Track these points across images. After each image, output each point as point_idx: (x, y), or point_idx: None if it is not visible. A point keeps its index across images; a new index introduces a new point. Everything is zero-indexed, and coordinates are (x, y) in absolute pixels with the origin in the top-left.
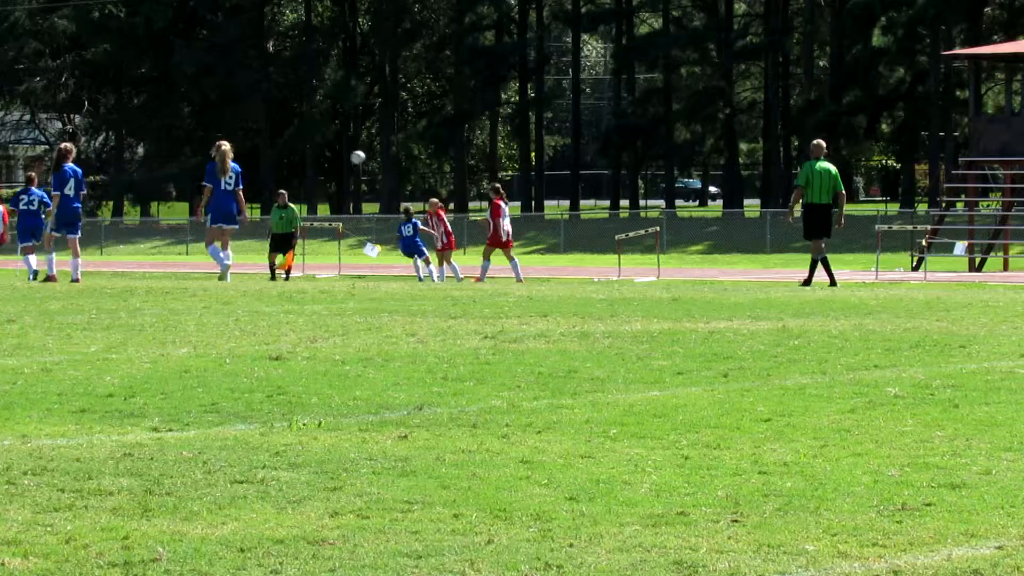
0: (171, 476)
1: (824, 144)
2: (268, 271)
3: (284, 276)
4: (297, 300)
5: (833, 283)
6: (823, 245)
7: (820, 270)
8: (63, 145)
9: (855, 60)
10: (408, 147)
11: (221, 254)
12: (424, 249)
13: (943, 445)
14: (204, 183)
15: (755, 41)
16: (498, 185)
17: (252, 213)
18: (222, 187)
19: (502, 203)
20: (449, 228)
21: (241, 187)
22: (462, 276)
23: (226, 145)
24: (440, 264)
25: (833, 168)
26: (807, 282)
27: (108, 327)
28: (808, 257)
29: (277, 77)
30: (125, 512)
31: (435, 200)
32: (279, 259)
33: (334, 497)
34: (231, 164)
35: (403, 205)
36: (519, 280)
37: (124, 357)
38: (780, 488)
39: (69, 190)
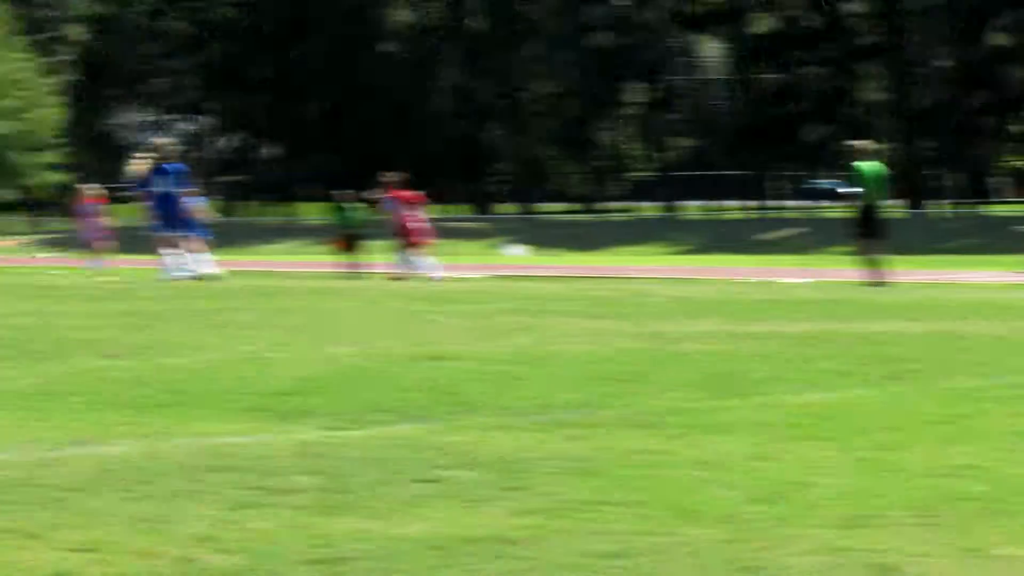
0: (348, 475)
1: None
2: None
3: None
4: (447, 300)
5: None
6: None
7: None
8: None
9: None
10: (536, 148)
11: None
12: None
13: None
14: None
15: (876, 42)
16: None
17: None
18: None
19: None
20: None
21: None
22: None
23: None
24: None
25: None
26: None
27: (263, 326)
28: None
29: (398, 80)
30: (310, 509)
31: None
32: None
33: (517, 497)
34: None
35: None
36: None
37: (284, 356)
38: (971, 492)
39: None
